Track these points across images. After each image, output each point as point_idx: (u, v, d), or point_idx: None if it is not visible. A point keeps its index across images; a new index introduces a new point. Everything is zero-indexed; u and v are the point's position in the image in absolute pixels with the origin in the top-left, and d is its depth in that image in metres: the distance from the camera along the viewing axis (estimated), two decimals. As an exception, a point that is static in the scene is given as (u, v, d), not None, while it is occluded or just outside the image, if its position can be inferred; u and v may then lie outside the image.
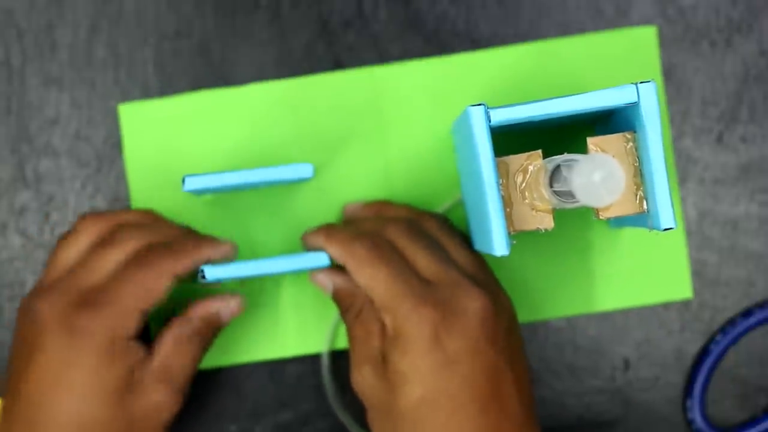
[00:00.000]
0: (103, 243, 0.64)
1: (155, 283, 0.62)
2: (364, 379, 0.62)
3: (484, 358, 0.59)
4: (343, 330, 0.70)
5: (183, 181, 0.63)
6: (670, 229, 0.54)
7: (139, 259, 0.63)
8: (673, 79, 0.70)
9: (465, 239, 0.67)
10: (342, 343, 0.70)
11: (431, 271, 0.61)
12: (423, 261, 0.62)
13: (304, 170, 0.65)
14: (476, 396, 0.59)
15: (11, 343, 0.65)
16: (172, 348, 0.64)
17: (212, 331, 0.66)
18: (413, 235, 0.63)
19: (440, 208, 0.69)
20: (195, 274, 0.64)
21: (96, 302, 0.61)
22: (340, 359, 0.70)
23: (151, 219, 0.68)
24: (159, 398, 0.63)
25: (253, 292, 0.70)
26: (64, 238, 0.66)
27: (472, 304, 0.60)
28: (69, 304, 0.61)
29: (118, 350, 0.61)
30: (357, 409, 0.70)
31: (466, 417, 0.59)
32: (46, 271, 0.65)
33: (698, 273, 0.70)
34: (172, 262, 0.63)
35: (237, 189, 0.68)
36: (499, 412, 0.60)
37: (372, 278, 0.61)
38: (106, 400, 0.61)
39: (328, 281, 0.65)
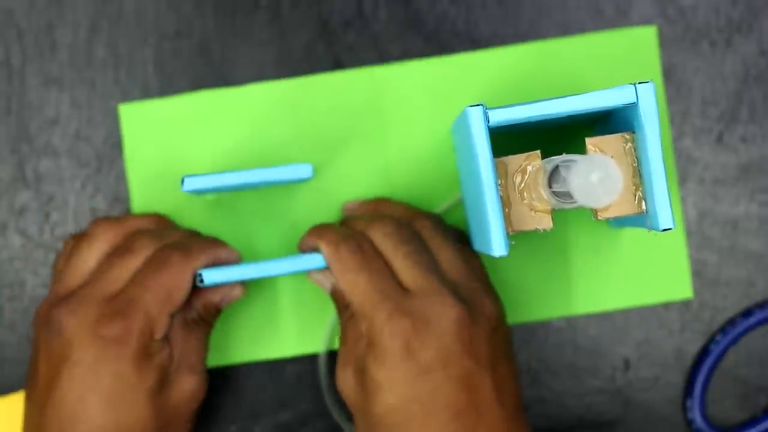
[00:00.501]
0: (121, 251, 0.64)
1: (177, 284, 0.62)
2: (345, 380, 0.62)
3: (459, 366, 0.60)
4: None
5: (182, 181, 0.63)
6: (669, 229, 0.54)
7: (157, 263, 0.63)
8: (673, 79, 0.70)
9: (462, 239, 0.67)
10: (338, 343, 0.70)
11: (411, 279, 0.62)
12: (404, 267, 0.62)
13: (304, 170, 0.65)
14: (450, 404, 0.59)
15: (31, 353, 0.65)
16: (184, 336, 0.64)
17: (214, 315, 0.66)
18: (399, 238, 0.63)
19: (440, 208, 0.69)
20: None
21: (124, 311, 0.61)
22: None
23: (162, 223, 0.69)
24: (189, 387, 0.64)
25: (251, 292, 0.70)
26: (76, 243, 0.66)
27: (447, 313, 0.60)
28: (97, 314, 0.61)
29: (152, 354, 0.62)
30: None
31: (438, 425, 0.59)
32: (61, 277, 0.65)
33: (698, 273, 0.70)
34: (189, 262, 0.63)
35: (237, 189, 0.68)
36: (476, 418, 0.60)
37: (351, 284, 0.62)
38: (144, 403, 0.62)
39: (326, 281, 0.66)
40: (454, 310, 0.60)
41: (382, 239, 0.63)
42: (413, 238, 0.64)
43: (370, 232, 0.64)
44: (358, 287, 0.61)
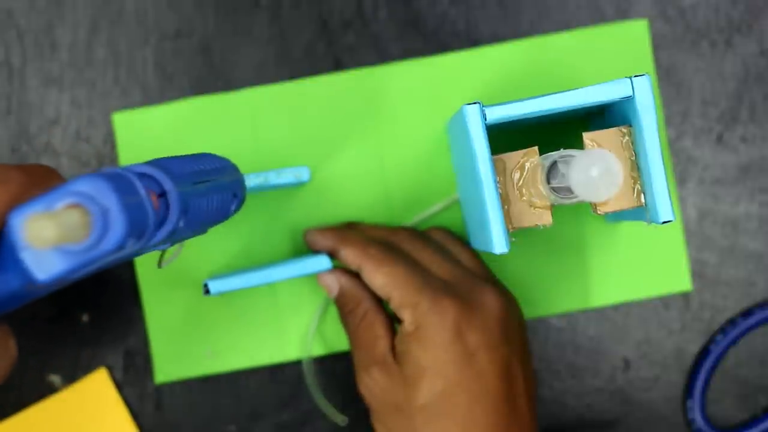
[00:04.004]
0: None
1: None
2: (373, 380, 0.62)
3: (499, 354, 0.60)
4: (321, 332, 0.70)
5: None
6: (669, 221, 0.54)
7: None
8: (673, 79, 0.70)
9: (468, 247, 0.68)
10: (317, 349, 0.70)
11: (444, 271, 0.63)
12: (434, 261, 0.63)
13: (301, 174, 0.66)
14: (490, 390, 0.60)
15: None
16: None
17: None
18: (422, 241, 0.65)
19: (436, 208, 0.69)
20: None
21: None
22: (327, 360, 0.70)
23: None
24: None
25: (246, 297, 0.70)
26: None
27: (489, 300, 0.61)
28: None
29: None
30: (352, 411, 0.70)
31: (481, 411, 0.60)
32: None
33: (698, 273, 0.70)
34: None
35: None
36: (512, 409, 0.61)
37: (390, 275, 0.62)
38: None
39: (335, 283, 0.66)
40: (495, 298, 0.61)
41: (407, 242, 0.65)
42: (433, 241, 0.66)
43: (393, 238, 0.65)
44: (398, 278, 0.62)
